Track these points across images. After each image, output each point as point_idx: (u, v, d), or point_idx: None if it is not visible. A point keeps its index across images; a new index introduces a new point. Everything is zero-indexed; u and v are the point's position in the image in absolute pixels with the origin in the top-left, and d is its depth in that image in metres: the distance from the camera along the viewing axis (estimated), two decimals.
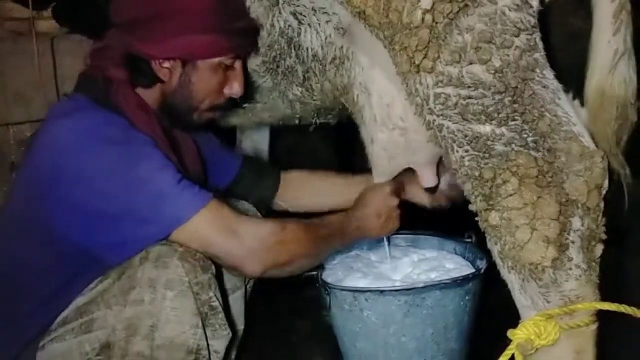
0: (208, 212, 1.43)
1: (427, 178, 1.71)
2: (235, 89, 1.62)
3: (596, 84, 1.37)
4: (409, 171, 1.75)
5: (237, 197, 1.95)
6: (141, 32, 1.51)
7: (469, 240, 1.94)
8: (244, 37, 1.61)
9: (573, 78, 1.41)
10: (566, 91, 1.36)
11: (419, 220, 2.01)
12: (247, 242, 1.45)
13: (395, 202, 1.77)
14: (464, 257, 1.94)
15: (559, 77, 1.35)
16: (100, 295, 1.45)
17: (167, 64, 1.54)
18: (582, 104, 1.41)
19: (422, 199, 1.91)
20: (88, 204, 1.39)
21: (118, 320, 1.42)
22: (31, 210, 1.46)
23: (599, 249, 1.29)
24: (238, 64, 1.62)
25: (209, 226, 1.43)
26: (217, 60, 1.56)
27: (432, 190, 1.80)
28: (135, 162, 1.41)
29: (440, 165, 1.72)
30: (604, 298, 1.34)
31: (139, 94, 1.57)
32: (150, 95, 1.59)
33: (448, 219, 1.98)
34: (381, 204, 1.75)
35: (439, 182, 1.76)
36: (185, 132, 1.71)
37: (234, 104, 1.72)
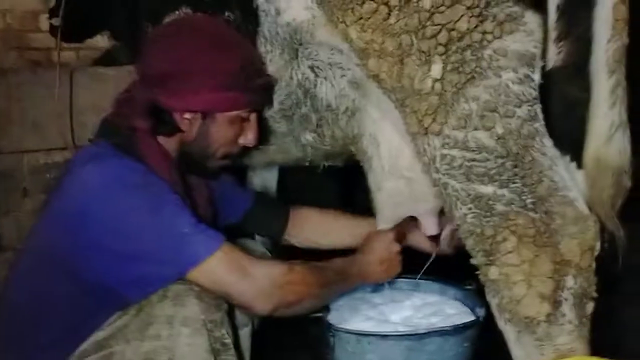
0: (221, 254, 1.50)
1: (429, 226, 1.81)
2: (249, 138, 1.71)
3: (593, 152, 1.47)
4: (412, 218, 1.85)
5: (247, 232, 2.03)
6: (167, 86, 1.59)
7: (469, 287, 2.01)
8: (261, 93, 1.72)
9: (570, 143, 1.52)
10: (563, 154, 1.47)
11: (421, 265, 2.10)
12: (258, 282, 1.53)
13: (397, 248, 1.86)
14: (464, 304, 2.00)
15: (556, 142, 1.46)
16: (119, 330, 1.52)
17: (188, 115, 1.63)
18: (578, 167, 1.51)
19: (426, 247, 2.00)
20: (111, 245, 1.47)
21: (136, 354, 1.48)
22: (55, 248, 1.54)
23: (590, 306, 1.38)
24: (253, 116, 1.71)
25: (222, 267, 1.51)
26: (234, 113, 1.65)
27: (434, 238, 1.89)
28: (156, 207, 1.50)
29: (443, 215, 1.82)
30: (601, 346, 1.42)
31: (159, 142, 1.66)
32: (170, 143, 1.67)
33: (449, 265, 2.07)
34: (384, 251, 1.84)
35: (441, 231, 1.85)
36: (200, 177, 1.80)
37: (246, 150, 1.81)
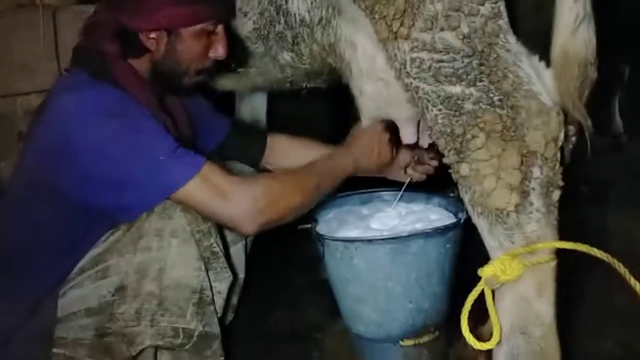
0: (200, 178, 1.55)
1: (407, 134, 1.85)
2: (219, 51, 1.74)
3: (560, 45, 1.49)
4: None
5: (224, 160, 2.07)
6: (127, 7, 1.63)
7: (452, 195, 2.08)
8: (222, 4, 1.74)
9: (539, 42, 1.55)
10: (532, 54, 1.50)
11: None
12: (240, 205, 1.57)
13: (387, 136, 1.92)
14: (447, 210, 2.08)
15: (525, 41, 1.49)
16: (113, 245, 1.61)
17: (153, 35, 1.66)
18: (548, 65, 1.55)
19: (402, 178, 2.09)
20: (94, 172, 1.54)
21: (130, 265, 1.57)
22: (42, 177, 1.60)
23: (556, 195, 1.44)
24: (220, 29, 1.73)
25: (202, 191, 1.55)
26: (198, 27, 1.68)
27: (411, 147, 1.95)
28: (135, 133, 1.55)
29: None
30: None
31: (131, 64, 1.70)
32: (141, 65, 1.71)
33: (433, 177, 2.15)
34: (375, 139, 1.90)
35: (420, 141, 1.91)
36: (176, 96, 1.84)
37: (221, 66, 1.84)
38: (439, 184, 2.13)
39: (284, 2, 1.82)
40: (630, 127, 4.09)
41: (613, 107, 4.14)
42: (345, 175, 1.85)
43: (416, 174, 2.09)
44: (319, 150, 2.12)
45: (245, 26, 1.93)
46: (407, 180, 2.09)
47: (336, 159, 1.85)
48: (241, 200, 1.57)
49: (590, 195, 3.25)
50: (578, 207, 2.91)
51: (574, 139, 1.54)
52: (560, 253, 1.49)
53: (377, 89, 1.76)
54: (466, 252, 1.93)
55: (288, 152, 2.15)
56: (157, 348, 1.66)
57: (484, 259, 1.53)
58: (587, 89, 1.52)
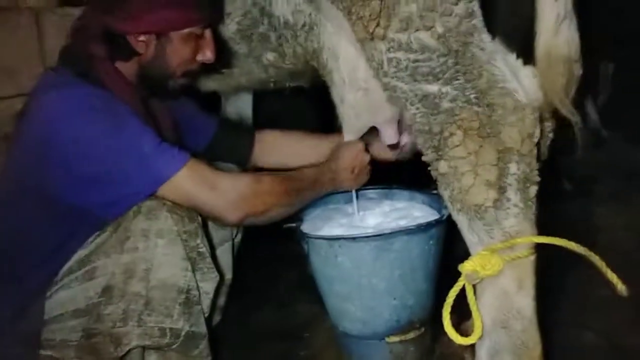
0: (187, 169, 1.59)
1: (388, 136, 1.88)
2: (207, 55, 1.75)
3: (543, 45, 1.51)
4: (373, 130, 1.93)
5: (213, 159, 2.10)
6: (116, 10, 1.63)
7: (435, 192, 2.10)
8: (210, 8, 1.75)
9: (517, 40, 1.57)
10: (510, 52, 1.53)
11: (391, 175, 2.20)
12: (225, 194, 1.61)
13: (367, 158, 1.96)
14: (431, 207, 2.10)
15: (504, 40, 1.51)
16: (100, 247, 1.62)
17: (142, 38, 1.67)
18: (525, 63, 1.57)
19: (386, 155, 2.08)
20: (80, 169, 1.55)
21: (116, 266, 1.58)
22: (28, 177, 1.61)
23: (534, 190, 1.47)
24: (208, 32, 1.75)
25: (189, 181, 1.59)
26: (187, 30, 1.69)
27: (394, 147, 1.98)
28: (118, 130, 1.56)
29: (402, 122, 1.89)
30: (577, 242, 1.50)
31: (118, 67, 1.71)
32: (129, 67, 1.72)
33: (417, 174, 2.17)
34: (355, 159, 1.93)
35: (400, 139, 1.93)
36: (162, 100, 1.86)
37: (207, 68, 1.85)
38: (422, 181, 2.16)
39: (267, 4, 1.84)
40: (612, 123, 4.13)
41: (590, 103, 4.17)
42: (325, 190, 1.90)
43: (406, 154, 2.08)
44: (308, 141, 2.16)
45: (229, 27, 1.94)
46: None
47: (321, 172, 1.88)
48: (227, 189, 1.62)
49: (573, 191, 3.29)
50: (561, 203, 2.96)
51: (550, 135, 1.56)
52: (540, 247, 1.52)
53: (357, 98, 1.79)
54: (451, 248, 1.96)
55: (278, 146, 2.18)
56: (144, 348, 1.67)
57: (468, 254, 1.55)
58: (573, 86, 1.54)
